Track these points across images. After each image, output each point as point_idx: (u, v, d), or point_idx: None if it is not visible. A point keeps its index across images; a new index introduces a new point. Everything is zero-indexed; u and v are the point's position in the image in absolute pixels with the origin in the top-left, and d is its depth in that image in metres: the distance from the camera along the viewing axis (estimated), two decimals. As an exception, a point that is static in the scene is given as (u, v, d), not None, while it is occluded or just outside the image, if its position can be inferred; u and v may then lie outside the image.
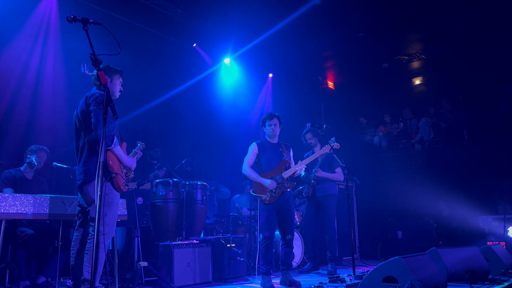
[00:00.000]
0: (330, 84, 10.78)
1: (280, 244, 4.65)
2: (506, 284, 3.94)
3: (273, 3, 6.97)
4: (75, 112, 3.34)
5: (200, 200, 5.51)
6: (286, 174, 4.49)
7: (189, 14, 7.19)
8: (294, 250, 6.12)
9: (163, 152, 6.51)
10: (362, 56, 9.46)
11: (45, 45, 5.79)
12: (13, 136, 5.34)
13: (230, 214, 6.45)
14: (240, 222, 6.23)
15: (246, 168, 4.56)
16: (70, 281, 4.27)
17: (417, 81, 10.98)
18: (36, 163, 4.45)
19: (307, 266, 5.83)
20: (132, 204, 4.54)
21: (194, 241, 4.78)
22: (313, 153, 5.80)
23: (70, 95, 5.65)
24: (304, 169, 4.63)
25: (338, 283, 4.46)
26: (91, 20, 2.47)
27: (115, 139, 3.20)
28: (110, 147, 3.16)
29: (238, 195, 6.89)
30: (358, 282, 3.65)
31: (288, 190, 4.52)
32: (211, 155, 8.11)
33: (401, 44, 9.35)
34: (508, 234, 6.64)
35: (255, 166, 4.65)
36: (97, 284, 3.00)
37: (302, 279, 4.86)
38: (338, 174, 5.67)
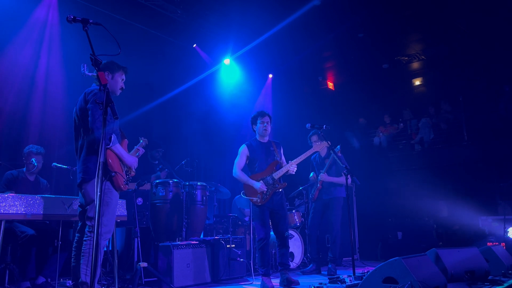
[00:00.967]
0: (330, 85, 10.79)
1: (276, 245, 4.63)
2: (506, 285, 3.93)
3: (273, 3, 6.97)
4: (75, 108, 3.26)
5: (200, 200, 5.51)
6: (277, 174, 4.42)
7: (189, 15, 7.20)
8: (294, 251, 6.15)
9: (163, 152, 6.51)
10: (362, 57, 9.47)
11: (45, 45, 5.79)
12: (13, 136, 5.34)
13: (230, 214, 6.45)
14: (240, 222, 6.22)
15: (237, 171, 4.50)
16: (70, 281, 4.27)
17: (417, 82, 10.98)
18: (36, 164, 4.46)
19: (309, 267, 5.81)
20: (132, 205, 4.54)
21: (194, 242, 4.78)
22: (319, 155, 5.78)
23: (70, 95, 5.65)
24: (295, 168, 4.47)
25: (338, 283, 4.45)
26: (91, 21, 2.46)
27: (113, 138, 3.13)
28: (108, 146, 3.10)
29: (238, 196, 6.88)
30: (358, 283, 3.64)
31: (280, 190, 4.46)
32: (211, 156, 8.11)
33: (401, 45, 9.37)
34: (508, 235, 6.63)
35: (246, 168, 4.59)
36: (96, 286, 2.97)
37: (302, 279, 4.85)
38: (344, 178, 5.64)
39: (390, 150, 9.96)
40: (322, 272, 5.72)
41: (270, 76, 9.71)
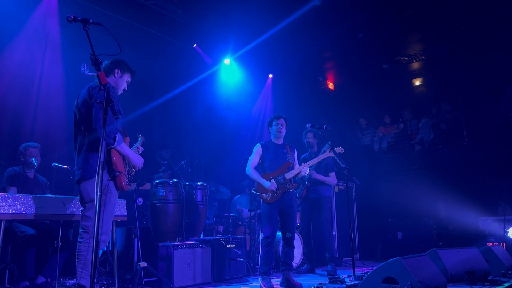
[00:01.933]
0: (330, 85, 10.79)
1: (281, 244, 4.66)
2: (506, 285, 3.94)
3: (273, 3, 6.97)
4: (75, 102, 3.18)
5: (200, 200, 5.51)
6: (289, 175, 4.51)
7: (189, 15, 7.20)
8: (294, 251, 6.14)
9: (172, 153, 6.52)
10: (362, 57, 9.46)
11: (45, 45, 5.79)
12: (13, 136, 5.34)
13: (230, 214, 6.46)
14: (240, 222, 6.22)
15: (249, 168, 4.61)
16: (69, 281, 4.28)
17: (417, 82, 10.97)
18: (36, 163, 4.48)
19: (304, 267, 5.84)
20: (132, 205, 4.53)
21: (194, 242, 4.78)
22: (309, 154, 5.82)
23: (70, 95, 5.64)
24: (308, 171, 4.68)
25: (338, 284, 4.45)
26: (91, 21, 2.46)
27: (118, 137, 3.04)
28: (113, 146, 3.02)
29: (238, 196, 6.89)
30: (358, 283, 3.64)
31: (291, 190, 4.54)
32: (211, 156, 8.11)
33: (401, 45, 9.36)
34: (508, 235, 6.64)
35: (259, 167, 4.69)
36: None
37: (301, 279, 4.85)
38: (331, 179, 5.73)
39: (390, 150, 9.96)
40: (316, 272, 5.74)
41: (270, 76, 9.71)
